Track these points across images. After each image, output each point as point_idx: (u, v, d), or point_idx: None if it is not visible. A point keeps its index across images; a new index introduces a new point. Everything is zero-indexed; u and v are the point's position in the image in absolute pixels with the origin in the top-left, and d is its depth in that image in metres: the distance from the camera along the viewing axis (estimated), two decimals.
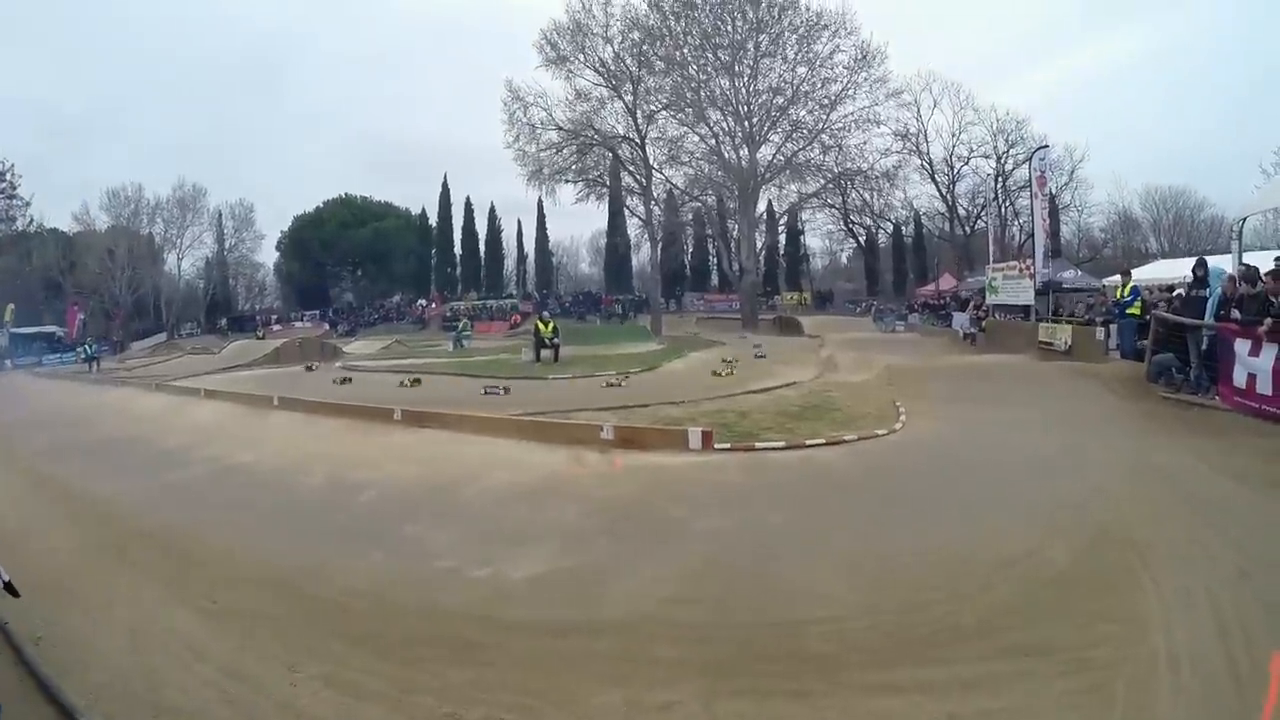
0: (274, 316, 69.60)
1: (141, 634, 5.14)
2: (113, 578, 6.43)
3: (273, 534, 7.51)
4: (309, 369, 27.27)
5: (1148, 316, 14.53)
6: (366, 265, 77.92)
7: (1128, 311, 16.29)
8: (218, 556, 6.84)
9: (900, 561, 5.71)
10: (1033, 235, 28.71)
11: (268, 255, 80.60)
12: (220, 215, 74.68)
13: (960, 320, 31.04)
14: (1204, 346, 12.02)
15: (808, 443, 9.75)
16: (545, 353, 25.44)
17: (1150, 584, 5.18)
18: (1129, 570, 5.44)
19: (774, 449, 9.51)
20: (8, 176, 68.12)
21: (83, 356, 45.14)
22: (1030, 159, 29.40)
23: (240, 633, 5.09)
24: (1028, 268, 25.45)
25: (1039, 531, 6.26)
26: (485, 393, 16.71)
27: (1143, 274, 26.21)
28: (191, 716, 4.09)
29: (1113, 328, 17.27)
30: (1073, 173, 57.55)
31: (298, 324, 65.34)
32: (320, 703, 4.17)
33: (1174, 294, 16.14)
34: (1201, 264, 13.93)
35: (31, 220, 69.60)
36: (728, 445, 9.54)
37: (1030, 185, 28.89)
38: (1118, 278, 20.43)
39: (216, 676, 4.48)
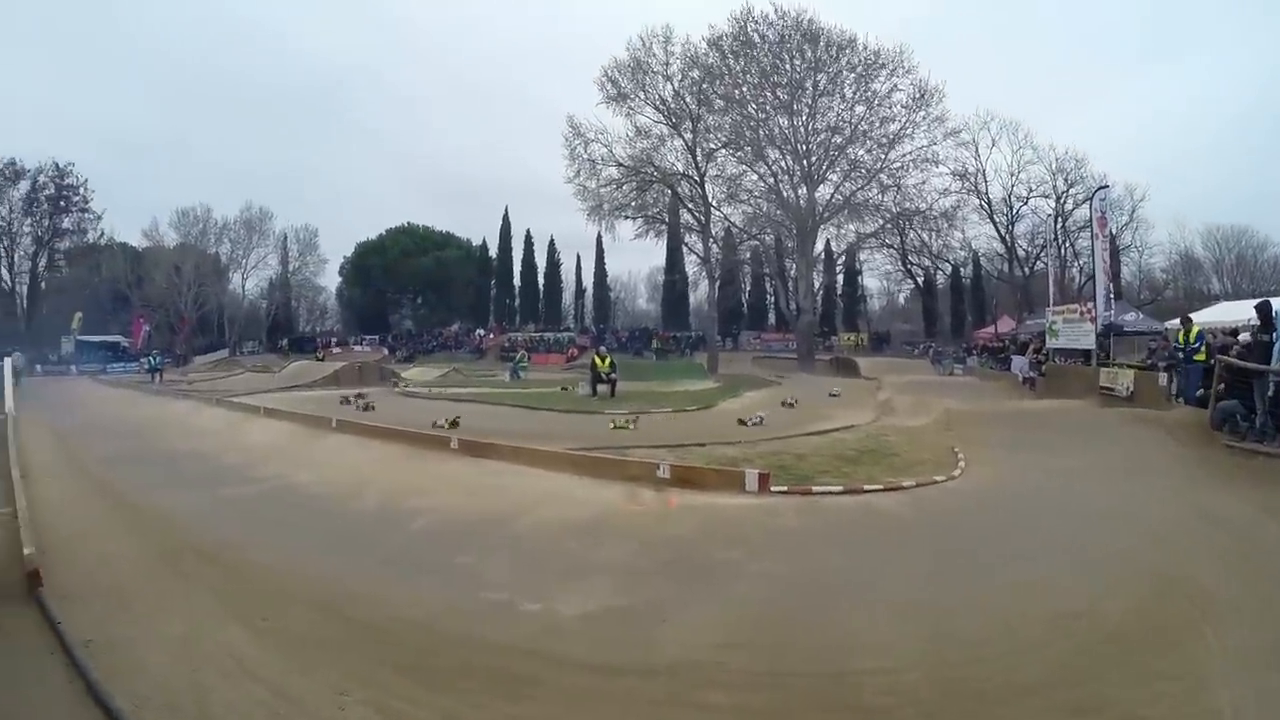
0: (334, 339, 70.73)
1: (191, 646, 5.18)
2: (166, 588, 6.51)
3: (326, 556, 7.55)
4: (346, 401, 23.96)
5: (1213, 361, 14.22)
6: (426, 293, 78.97)
7: (1194, 358, 15.90)
8: (271, 574, 6.90)
9: (957, 613, 5.61)
10: (1093, 277, 28.39)
11: (330, 279, 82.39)
12: (285, 238, 76.58)
13: (1019, 364, 30.60)
14: (1270, 393, 11.76)
15: (865, 488, 9.66)
16: (602, 387, 25.56)
17: (1212, 640, 5.06)
18: (1190, 625, 5.33)
19: (831, 493, 9.41)
20: (81, 191, 70.71)
21: (146, 367, 46.55)
22: (1091, 199, 29.15)
23: (290, 653, 5.10)
24: (1088, 310, 25.10)
25: (1098, 584, 6.14)
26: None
27: (1205, 317, 25.67)
28: None
29: (1175, 373, 16.95)
30: (1133, 212, 56.97)
31: (357, 347, 66.39)
32: None
33: (1238, 338, 15.81)
34: (1265, 306, 13.62)
35: (102, 234, 72.54)
36: (784, 488, 9.42)
37: (1091, 226, 28.60)
38: (1178, 322, 20.10)
39: (264, 695, 4.48)
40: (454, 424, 16.59)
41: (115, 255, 70.39)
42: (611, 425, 16.63)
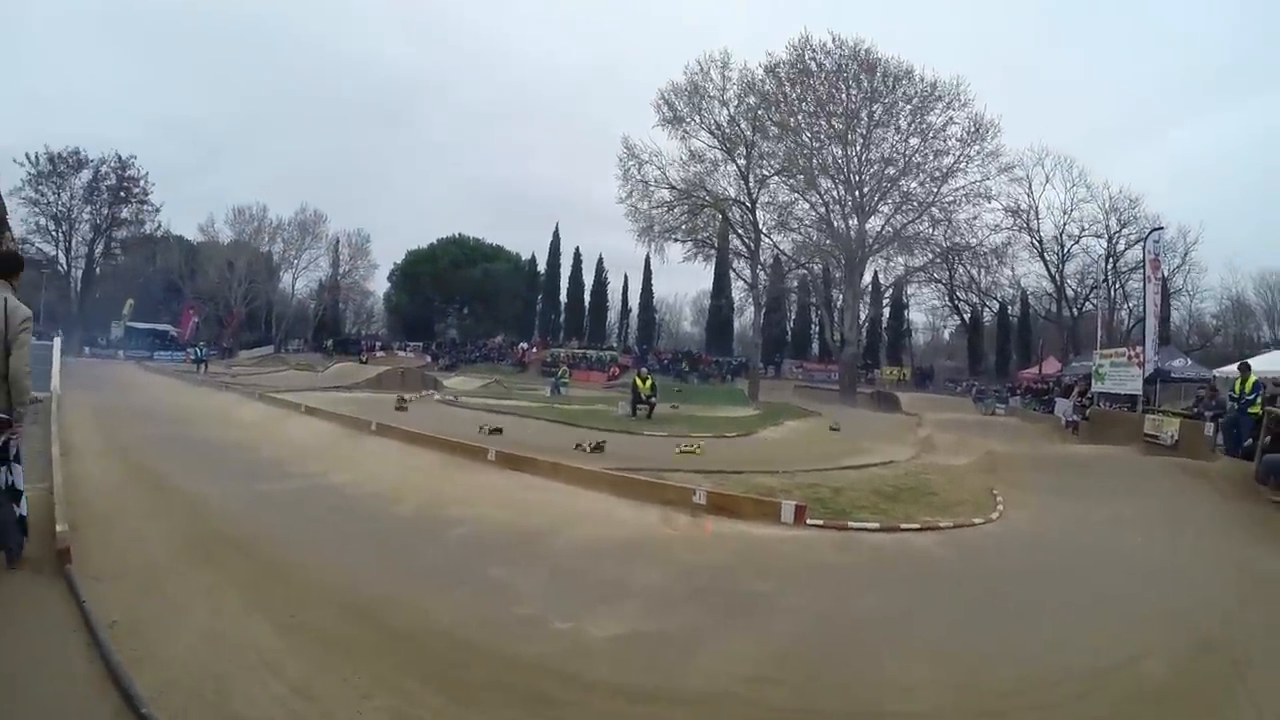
0: (378, 343, 71.66)
1: (216, 637, 5.20)
2: (195, 576, 6.54)
3: (358, 558, 7.57)
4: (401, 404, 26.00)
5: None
6: (473, 304, 79.99)
7: (1249, 410, 15.57)
8: (302, 572, 6.91)
9: (991, 660, 5.50)
10: (1143, 320, 28.11)
11: (379, 284, 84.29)
12: (337, 242, 78.22)
13: (1063, 407, 30.21)
14: None
15: (902, 526, 9.55)
16: (641, 408, 25.67)
17: (1250, 705, 4.95)
18: (1230, 687, 5.21)
19: (867, 529, 9.30)
20: (141, 183, 72.88)
21: (193, 357, 47.69)
22: (1145, 240, 28.85)
23: (315, 652, 5.09)
24: (1137, 355, 24.81)
25: (1137, 639, 5.98)
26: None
27: (1257, 365, 25.31)
28: None
29: (1220, 425, 16.65)
30: (1185, 255, 56.50)
31: (400, 353, 67.12)
32: None
33: None
34: None
35: (159, 226, 74.72)
36: (821, 522, 9.32)
37: (1144, 268, 28.34)
38: (1233, 368, 19.77)
39: (284, 691, 4.48)
40: (496, 432, 16.56)
41: (170, 247, 72.69)
42: (678, 450, 16.64)
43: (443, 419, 19.62)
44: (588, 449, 15.42)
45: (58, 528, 6.53)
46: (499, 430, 16.72)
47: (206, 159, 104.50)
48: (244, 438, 15.85)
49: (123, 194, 73.18)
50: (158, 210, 74.80)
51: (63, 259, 71.36)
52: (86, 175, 70.95)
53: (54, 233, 70.90)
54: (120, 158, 71.71)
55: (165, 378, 35.09)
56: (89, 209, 71.63)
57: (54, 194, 70.07)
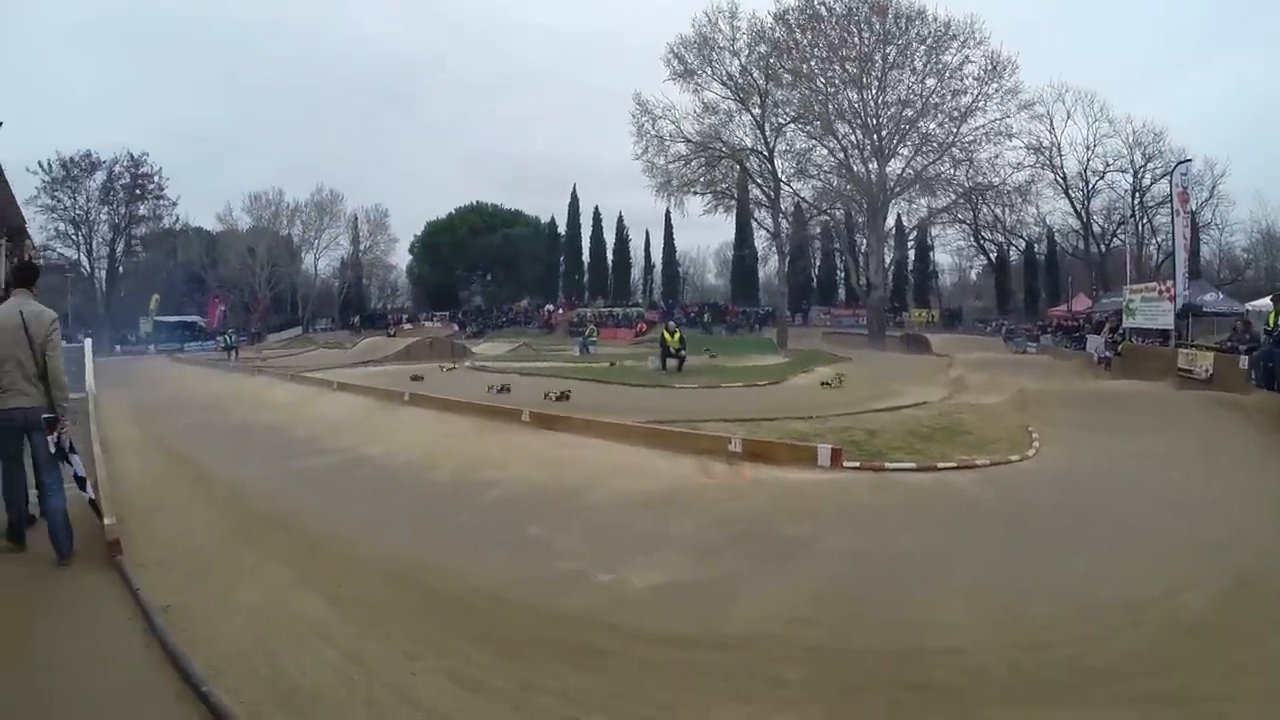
0: (404, 316, 71.98)
1: (266, 613, 5.33)
2: (241, 557, 6.70)
3: (399, 527, 7.70)
4: (444, 370, 27.56)
5: None
6: (495, 270, 79.89)
7: None
8: (344, 545, 7.03)
9: (1030, 595, 5.52)
10: (1172, 254, 27.77)
11: (401, 258, 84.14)
12: (356, 219, 78.00)
13: (1094, 343, 29.99)
14: None
15: (938, 465, 9.54)
16: (671, 361, 25.61)
17: None
18: (1273, 620, 5.17)
19: (904, 469, 9.32)
20: (156, 179, 73.24)
21: (222, 345, 48.04)
22: (1171, 174, 28.53)
23: (363, 621, 5.20)
24: (1168, 289, 24.56)
25: (1176, 573, 5.93)
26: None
27: None
28: (311, 696, 4.17)
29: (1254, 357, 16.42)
30: (1214, 188, 55.56)
31: (428, 324, 67.39)
32: (440, 695, 4.20)
33: None
34: None
35: (177, 219, 75.17)
36: (857, 464, 9.34)
37: (1171, 201, 28.01)
38: (1267, 301, 19.52)
39: (337, 659, 4.58)
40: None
41: (190, 239, 73.19)
42: (822, 384, 17.37)
43: (471, 386, 19.67)
44: (554, 398, 15.78)
45: (105, 521, 6.68)
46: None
47: (216, 156, 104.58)
48: (278, 419, 16.07)
49: (138, 191, 73.37)
50: (174, 204, 75.23)
51: (85, 261, 71.71)
52: (100, 177, 71.14)
53: (74, 237, 71.23)
54: (132, 155, 71.59)
55: (197, 368, 35.44)
56: (106, 210, 71.89)
57: (70, 198, 70.27)
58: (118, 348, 54.83)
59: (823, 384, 19.98)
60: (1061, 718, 4.01)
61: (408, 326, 65.87)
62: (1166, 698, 4.18)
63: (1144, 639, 4.89)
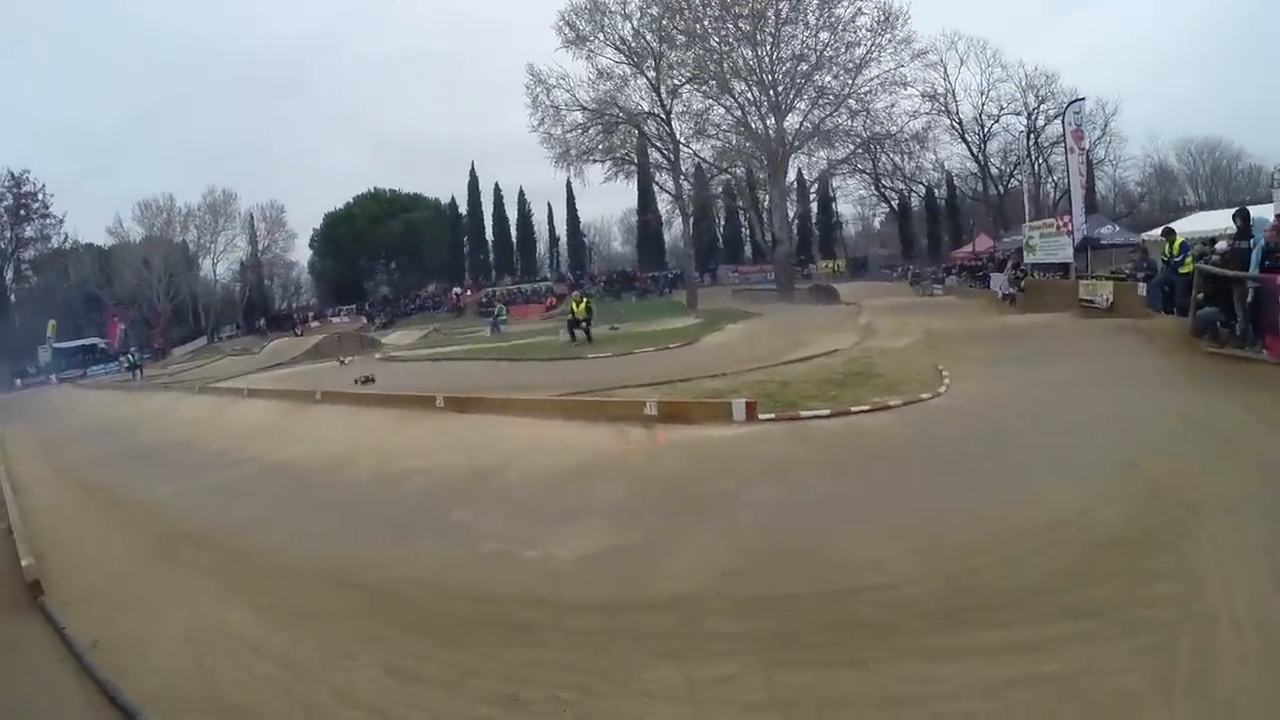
0: (311, 314, 70.56)
1: (196, 633, 5.24)
2: (165, 579, 6.56)
3: (322, 527, 7.59)
4: (341, 364, 27.98)
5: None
6: (399, 257, 78.54)
7: (1180, 270, 15.70)
8: (268, 553, 6.93)
9: (952, 526, 5.64)
10: (1069, 191, 28.37)
11: (301, 254, 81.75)
12: (252, 218, 75.65)
13: (998, 281, 30.52)
14: (1249, 299, 11.76)
15: (852, 410, 9.62)
16: (578, 332, 25.41)
17: (1206, 542, 5.10)
18: (1184, 529, 5.36)
19: (819, 417, 9.38)
20: (40, 197, 69.73)
21: (126, 365, 46.46)
22: (1064, 113, 29.06)
23: (295, 626, 5.15)
24: (1065, 225, 25.04)
25: (1090, 492, 6.14)
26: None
27: (1182, 227, 25.55)
28: (250, 711, 4.13)
29: (1149, 283, 16.95)
30: (1106, 126, 56.71)
31: (335, 319, 66.24)
32: (379, 691, 4.20)
33: (1216, 246, 15.79)
34: (1242, 214, 13.67)
35: (66, 237, 71.48)
36: (772, 415, 9.42)
37: (1065, 140, 28.54)
38: (1157, 233, 20.07)
39: (273, 670, 4.53)
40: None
41: (82, 257, 69.98)
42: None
43: (384, 377, 19.46)
44: (360, 382, 16.24)
45: (23, 562, 6.55)
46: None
47: (101, 158, 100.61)
48: (190, 434, 15.64)
49: (22, 212, 69.23)
50: (61, 221, 70.58)
51: None
52: None
53: None
54: (13, 174, 67.59)
55: (102, 392, 34.31)
56: None
57: None
58: (18, 381, 52.61)
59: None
60: (990, 639, 4.12)
61: (315, 325, 64.56)
62: (1089, 610, 4.34)
63: (1064, 556, 5.07)
